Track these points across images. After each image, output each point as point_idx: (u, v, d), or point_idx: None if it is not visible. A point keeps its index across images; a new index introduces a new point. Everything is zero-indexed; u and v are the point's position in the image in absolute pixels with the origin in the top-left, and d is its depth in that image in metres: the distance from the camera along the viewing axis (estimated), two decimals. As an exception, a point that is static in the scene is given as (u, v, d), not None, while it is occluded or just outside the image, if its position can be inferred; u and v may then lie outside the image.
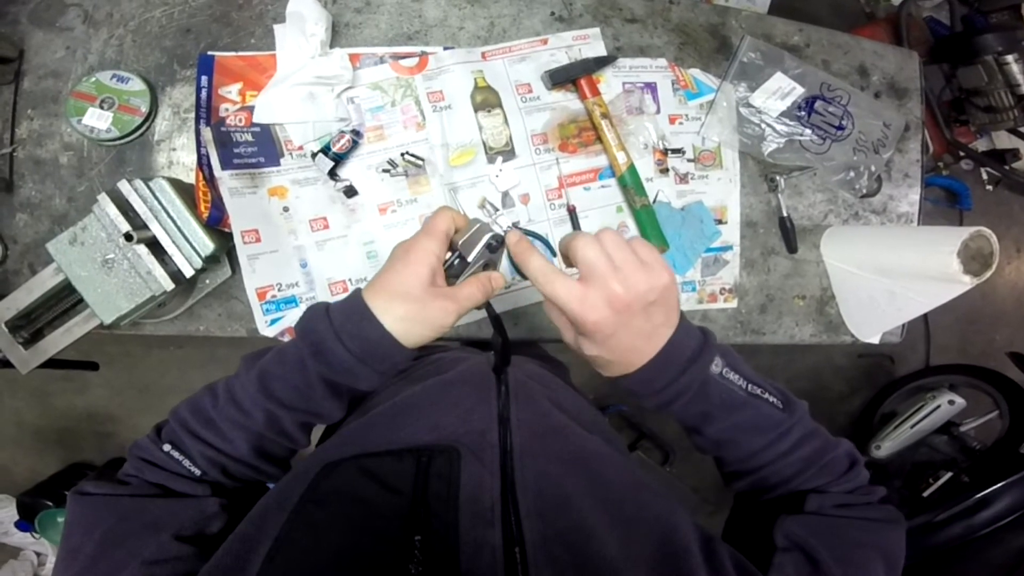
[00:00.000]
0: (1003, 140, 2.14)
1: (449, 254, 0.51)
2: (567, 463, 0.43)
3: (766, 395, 0.48)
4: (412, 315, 0.46)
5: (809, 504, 0.47)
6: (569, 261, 0.47)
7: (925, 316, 2.26)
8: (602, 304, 0.43)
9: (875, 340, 1.02)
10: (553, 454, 0.43)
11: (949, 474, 1.70)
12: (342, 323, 0.45)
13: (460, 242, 0.51)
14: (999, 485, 1.52)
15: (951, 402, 1.85)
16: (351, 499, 0.37)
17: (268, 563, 0.33)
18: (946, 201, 2.27)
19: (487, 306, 0.55)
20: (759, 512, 0.52)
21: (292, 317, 0.83)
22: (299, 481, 0.39)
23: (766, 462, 0.49)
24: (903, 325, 1.01)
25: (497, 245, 0.51)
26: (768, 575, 0.41)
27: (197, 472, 0.47)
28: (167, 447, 0.47)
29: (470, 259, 0.51)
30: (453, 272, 0.51)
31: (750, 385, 0.48)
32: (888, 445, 1.93)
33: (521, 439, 0.44)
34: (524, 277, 0.88)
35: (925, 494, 1.70)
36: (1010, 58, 1.55)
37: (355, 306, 0.46)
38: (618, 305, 0.42)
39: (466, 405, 0.48)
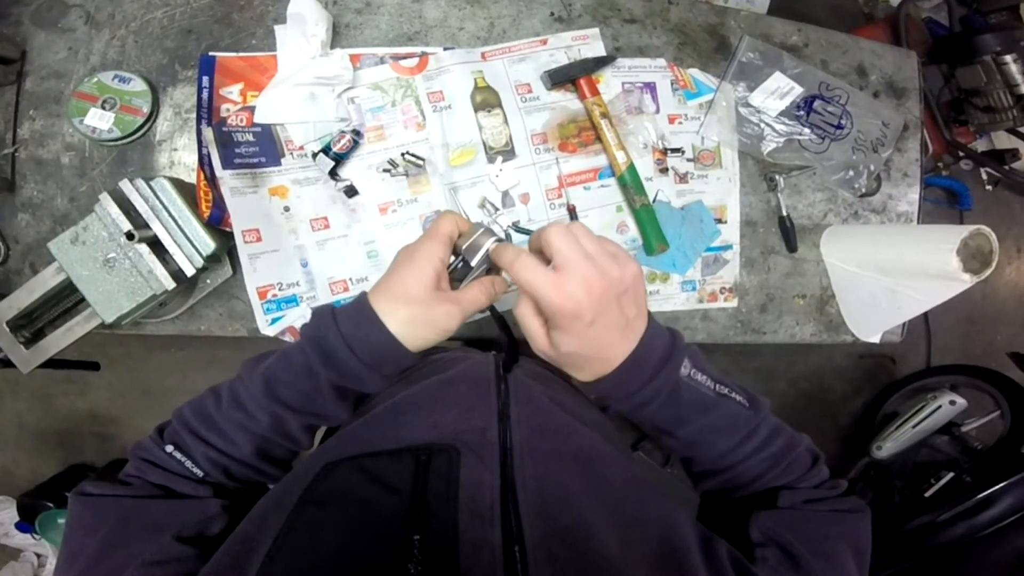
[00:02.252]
0: (1002, 140, 2.14)
1: (452, 258, 0.52)
2: (567, 461, 0.43)
3: (733, 394, 0.49)
4: (416, 318, 0.46)
5: (782, 500, 0.48)
6: (542, 257, 0.45)
7: (926, 316, 2.26)
8: (580, 290, 0.41)
9: (876, 339, 1.02)
10: (553, 452, 0.43)
11: (951, 474, 1.69)
12: (352, 331, 0.45)
13: (464, 246, 0.51)
14: (1001, 485, 1.51)
15: (952, 402, 1.85)
16: (350, 499, 0.37)
17: (267, 563, 0.33)
18: (946, 201, 2.27)
19: (490, 308, 0.55)
20: (730, 509, 0.52)
21: (293, 316, 0.83)
22: (299, 482, 0.39)
23: (736, 461, 0.49)
24: (903, 324, 1.01)
25: None
26: (754, 567, 0.41)
27: (199, 473, 0.47)
28: (169, 448, 0.47)
29: (473, 263, 0.51)
30: (457, 276, 0.52)
31: (717, 385, 0.48)
32: (889, 445, 1.92)
33: (521, 437, 0.44)
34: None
35: (927, 494, 1.70)
36: (1008, 58, 1.55)
37: (362, 312, 0.46)
38: (595, 291, 0.41)
39: (466, 404, 0.48)
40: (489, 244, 0.50)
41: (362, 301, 0.47)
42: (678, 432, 0.49)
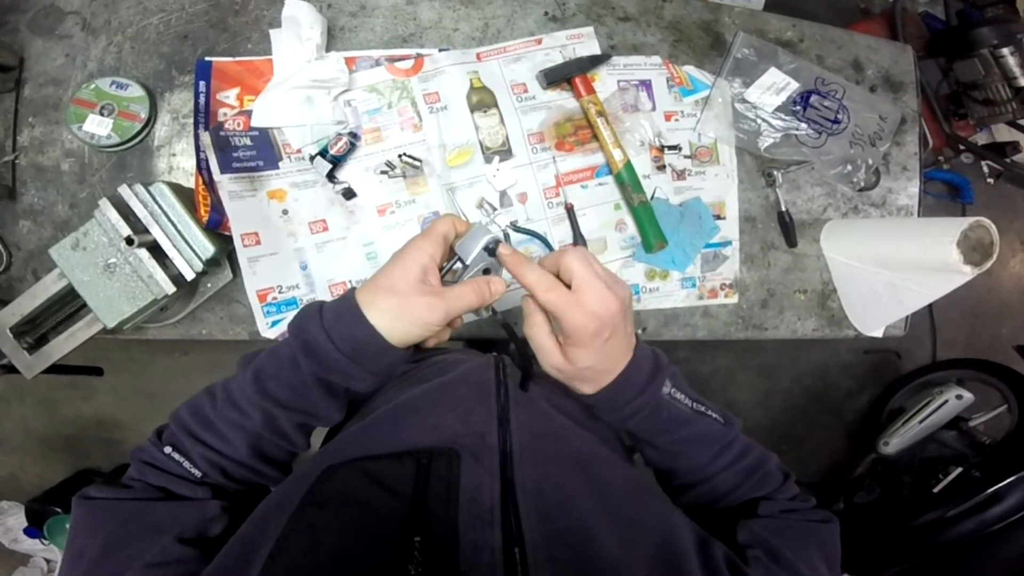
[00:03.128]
0: (1003, 133, 2.13)
1: (450, 261, 0.52)
2: (567, 464, 0.43)
3: (709, 412, 0.53)
4: (395, 309, 0.46)
5: (762, 509, 0.51)
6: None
7: (931, 311, 2.25)
8: (600, 308, 0.45)
9: (878, 333, 1.01)
10: (553, 455, 0.44)
11: (959, 469, 1.68)
12: (333, 323, 0.46)
13: (458, 245, 0.52)
14: (1011, 480, 1.50)
15: (959, 397, 1.84)
16: (352, 501, 0.37)
17: (269, 564, 0.33)
18: (948, 195, 2.26)
19: (493, 313, 0.54)
20: (714, 520, 0.53)
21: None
22: (300, 484, 0.39)
23: (714, 472, 0.53)
24: (906, 318, 1.01)
25: (495, 247, 0.51)
26: (748, 566, 0.43)
27: (197, 474, 0.47)
28: (168, 449, 0.47)
29: (468, 262, 0.51)
30: (455, 277, 0.52)
31: (694, 404, 0.52)
32: (896, 441, 1.91)
33: (521, 440, 0.44)
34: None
35: (935, 490, 1.69)
36: (1006, 51, 1.54)
37: (346, 305, 0.46)
38: (612, 308, 0.46)
39: (466, 407, 0.48)
40: (484, 242, 0.51)
41: (347, 294, 0.47)
42: (658, 441, 0.53)
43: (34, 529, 1.83)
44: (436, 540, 0.34)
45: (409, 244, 0.49)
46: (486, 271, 0.53)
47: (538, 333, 0.49)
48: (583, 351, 0.46)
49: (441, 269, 0.51)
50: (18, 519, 1.88)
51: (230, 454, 0.48)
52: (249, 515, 0.40)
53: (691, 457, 0.53)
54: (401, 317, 0.46)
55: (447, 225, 0.50)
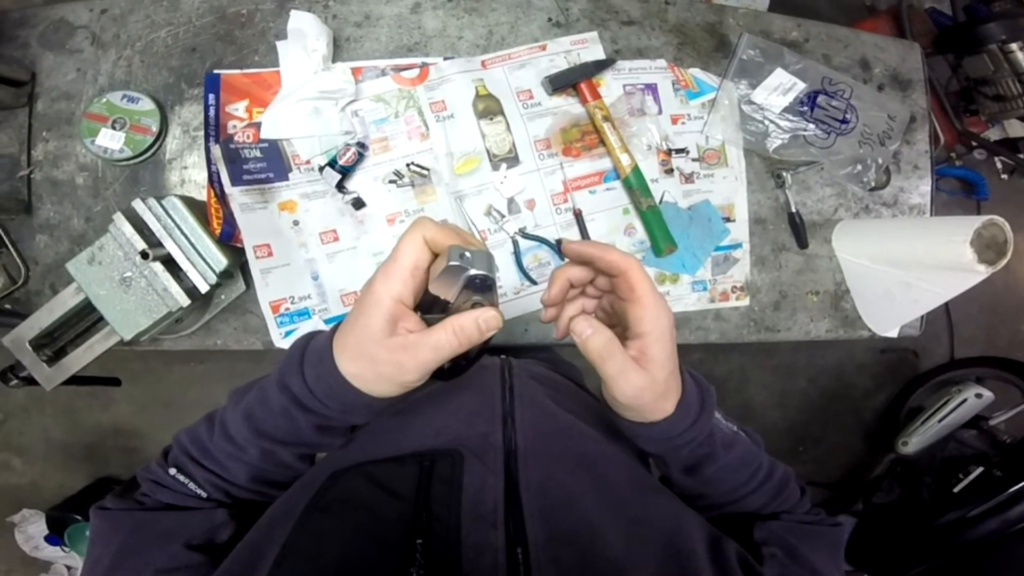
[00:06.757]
0: (1015, 128, 2.09)
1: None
2: (572, 464, 0.43)
3: (740, 431, 0.50)
4: (364, 371, 0.39)
5: (782, 519, 0.51)
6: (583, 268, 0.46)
7: (947, 308, 2.21)
8: (666, 307, 0.42)
9: (893, 333, 1.00)
10: (557, 455, 0.44)
11: (980, 469, 1.65)
12: (315, 382, 0.41)
13: (431, 281, 0.40)
14: (1033, 480, 1.48)
15: (978, 395, 1.81)
16: (355, 506, 0.37)
17: (275, 569, 0.33)
18: (962, 191, 2.23)
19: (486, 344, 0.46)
20: (732, 525, 0.52)
21: (305, 329, 0.84)
22: (305, 490, 0.40)
23: (746, 494, 0.50)
24: (921, 317, 0.99)
25: (482, 284, 0.40)
26: (763, 564, 0.42)
27: (203, 494, 0.47)
28: (173, 471, 0.47)
29: (452, 302, 0.41)
30: (438, 308, 0.41)
31: (728, 422, 0.50)
32: (916, 441, 1.88)
33: (525, 440, 0.44)
34: (534, 282, 0.88)
35: (956, 490, 1.66)
36: (1015, 46, 1.52)
37: (324, 364, 0.41)
38: (670, 311, 0.43)
39: (470, 408, 0.48)
40: (462, 281, 0.39)
41: (323, 347, 0.41)
42: (705, 469, 0.48)
43: (55, 537, 1.85)
44: (438, 542, 0.34)
45: (368, 290, 0.40)
46: (478, 302, 0.41)
47: (612, 350, 0.41)
48: (662, 349, 0.40)
49: (425, 292, 0.41)
50: (39, 527, 1.91)
51: (232, 480, 0.47)
52: (256, 521, 0.41)
53: (727, 481, 0.49)
54: (371, 380, 0.39)
55: (413, 251, 0.39)
